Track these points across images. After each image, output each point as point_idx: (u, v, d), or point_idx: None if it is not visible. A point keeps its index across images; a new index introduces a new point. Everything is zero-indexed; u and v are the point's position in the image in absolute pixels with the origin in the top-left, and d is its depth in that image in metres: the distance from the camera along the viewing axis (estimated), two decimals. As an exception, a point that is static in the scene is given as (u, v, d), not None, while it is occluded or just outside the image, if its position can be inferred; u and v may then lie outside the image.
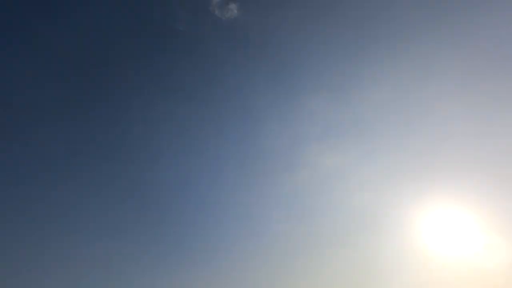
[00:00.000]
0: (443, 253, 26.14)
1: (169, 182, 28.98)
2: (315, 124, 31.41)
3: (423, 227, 27.49)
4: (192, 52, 28.29)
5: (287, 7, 28.40)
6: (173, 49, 28.26)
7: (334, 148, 31.74)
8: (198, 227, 28.66)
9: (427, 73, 31.33)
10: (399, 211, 28.03)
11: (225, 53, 28.76)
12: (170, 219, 28.77)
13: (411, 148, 30.54)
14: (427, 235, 27.16)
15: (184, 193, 30.17)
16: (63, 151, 27.11)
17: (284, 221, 29.23)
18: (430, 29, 31.50)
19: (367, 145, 31.65)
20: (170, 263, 26.21)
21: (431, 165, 29.48)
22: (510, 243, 24.93)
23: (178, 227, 28.15)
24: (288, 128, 32.31)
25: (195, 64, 28.77)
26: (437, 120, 30.59)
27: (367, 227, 27.98)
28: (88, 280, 23.91)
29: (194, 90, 28.52)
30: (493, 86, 29.68)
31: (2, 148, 25.28)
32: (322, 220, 28.87)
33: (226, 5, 26.56)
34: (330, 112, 31.66)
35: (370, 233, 27.57)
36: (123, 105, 28.77)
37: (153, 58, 27.33)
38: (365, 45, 31.92)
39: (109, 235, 26.26)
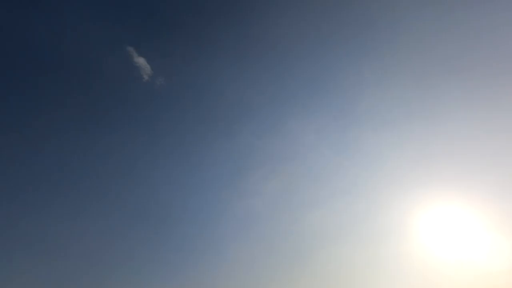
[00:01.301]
0: (444, 255, 26.15)
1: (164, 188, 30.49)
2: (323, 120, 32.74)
3: (424, 229, 27.52)
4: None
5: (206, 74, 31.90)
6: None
7: (335, 147, 31.83)
8: (198, 230, 28.99)
9: (428, 75, 31.37)
10: (400, 214, 28.07)
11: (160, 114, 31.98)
12: (168, 223, 29.04)
13: (412, 150, 30.60)
14: (428, 237, 27.18)
15: (183, 198, 30.53)
16: (71, 159, 28.37)
17: (282, 222, 29.40)
18: (430, 30, 31.52)
19: (368, 147, 31.72)
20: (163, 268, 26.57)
21: (432, 168, 29.52)
22: None
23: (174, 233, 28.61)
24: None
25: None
26: (437, 122, 30.63)
27: (368, 230, 28.05)
28: (91, 280, 24.15)
29: (141, 134, 31.53)
30: (495, 88, 29.66)
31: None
32: (320, 221, 28.98)
33: (155, 79, 29.77)
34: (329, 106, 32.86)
35: (371, 236, 27.64)
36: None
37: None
38: (360, 46, 32.13)
39: (111, 238, 26.63)
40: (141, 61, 29.50)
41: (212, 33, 32.64)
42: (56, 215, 26.15)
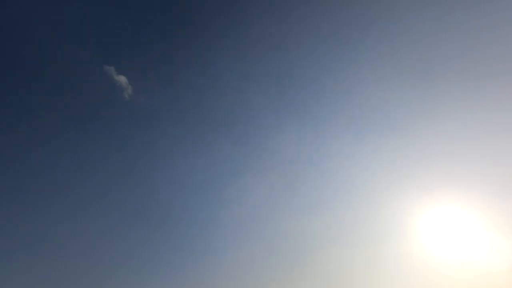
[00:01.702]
0: (445, 255, 26.09)
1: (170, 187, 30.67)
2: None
3: (424, 229, 27.47)
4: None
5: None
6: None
7: (335, 147, 31.84)
8: (198, 230, 29.03)
9: (429, 75, 31.33)
10: (401, 214, 28.04)
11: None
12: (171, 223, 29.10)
13: (413, 151, 30.55)
14: (429, 237, 27.13)
15: (185, 197, 30.57)
16: (71, 160, 28.70)
17: (281, 222, 29.40)
18: (431, 30, 31.50)
19: (369, 147, 31.70)
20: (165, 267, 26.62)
21: (432, 168, 29.47)
22: None
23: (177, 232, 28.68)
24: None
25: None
26: (438, 122, 30.58)
27: (368, 230, 28.02)
28: (90, 280, 24.20)
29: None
30: (495, 88, 29.60)
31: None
32: (321, 222, 28.96)
33: (136, 99, 30.63)
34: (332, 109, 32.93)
35: (371, 236, 27.61)
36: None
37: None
38: (361, 46, 32.13)
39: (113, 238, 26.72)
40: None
41: (211, 31, 32.78)
42: (56, 215, 26.24)
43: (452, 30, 30.81)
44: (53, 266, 24.14)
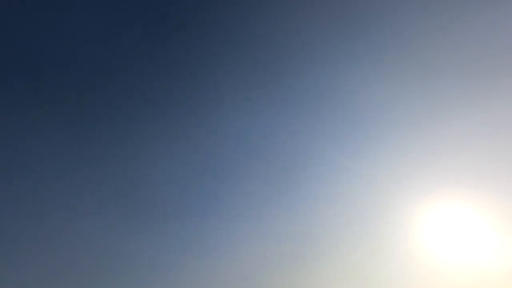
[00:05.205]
0: (449, 256, 25.82)
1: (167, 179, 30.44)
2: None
3: (428, 229, 27.25)
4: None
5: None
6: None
7: (337, 147, 31.76)
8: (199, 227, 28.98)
9: (429, 72, 31.23)
10: (405, 215, 27.85)
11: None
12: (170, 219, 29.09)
13: (415, 151, 30.36)
14: (432, 238, 26.91)
15: (184, 192, 30.62)
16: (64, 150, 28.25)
17: (281, 223, 29.33)
18: (435, 28, 31.44)
19: (370, 147, 31.57)
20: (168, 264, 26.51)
21: (436, 168, 29.22)
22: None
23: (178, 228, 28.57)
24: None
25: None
26: (440, 119, 30.38)
27: (369, 231, 27.84)
28: (88, 279, 24.24)
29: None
30: (501, 86, 29.37)
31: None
32: (322, 222, 28.82)
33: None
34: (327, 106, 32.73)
35: (372, 237, 27.43)
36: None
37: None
38: (362, 45, 32.14)
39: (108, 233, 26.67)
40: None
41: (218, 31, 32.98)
42: (49, 213, 26.32)
43: (457, 27, 30.69)
44: (47, 265, 24.19)
